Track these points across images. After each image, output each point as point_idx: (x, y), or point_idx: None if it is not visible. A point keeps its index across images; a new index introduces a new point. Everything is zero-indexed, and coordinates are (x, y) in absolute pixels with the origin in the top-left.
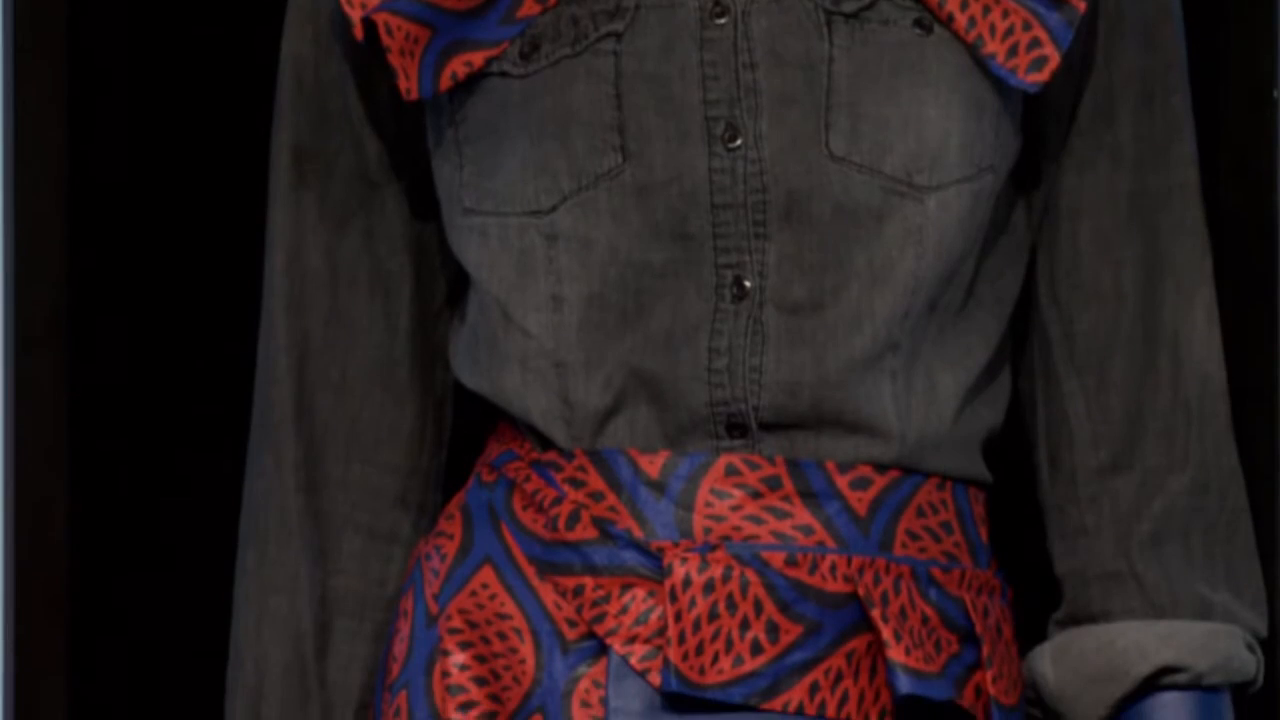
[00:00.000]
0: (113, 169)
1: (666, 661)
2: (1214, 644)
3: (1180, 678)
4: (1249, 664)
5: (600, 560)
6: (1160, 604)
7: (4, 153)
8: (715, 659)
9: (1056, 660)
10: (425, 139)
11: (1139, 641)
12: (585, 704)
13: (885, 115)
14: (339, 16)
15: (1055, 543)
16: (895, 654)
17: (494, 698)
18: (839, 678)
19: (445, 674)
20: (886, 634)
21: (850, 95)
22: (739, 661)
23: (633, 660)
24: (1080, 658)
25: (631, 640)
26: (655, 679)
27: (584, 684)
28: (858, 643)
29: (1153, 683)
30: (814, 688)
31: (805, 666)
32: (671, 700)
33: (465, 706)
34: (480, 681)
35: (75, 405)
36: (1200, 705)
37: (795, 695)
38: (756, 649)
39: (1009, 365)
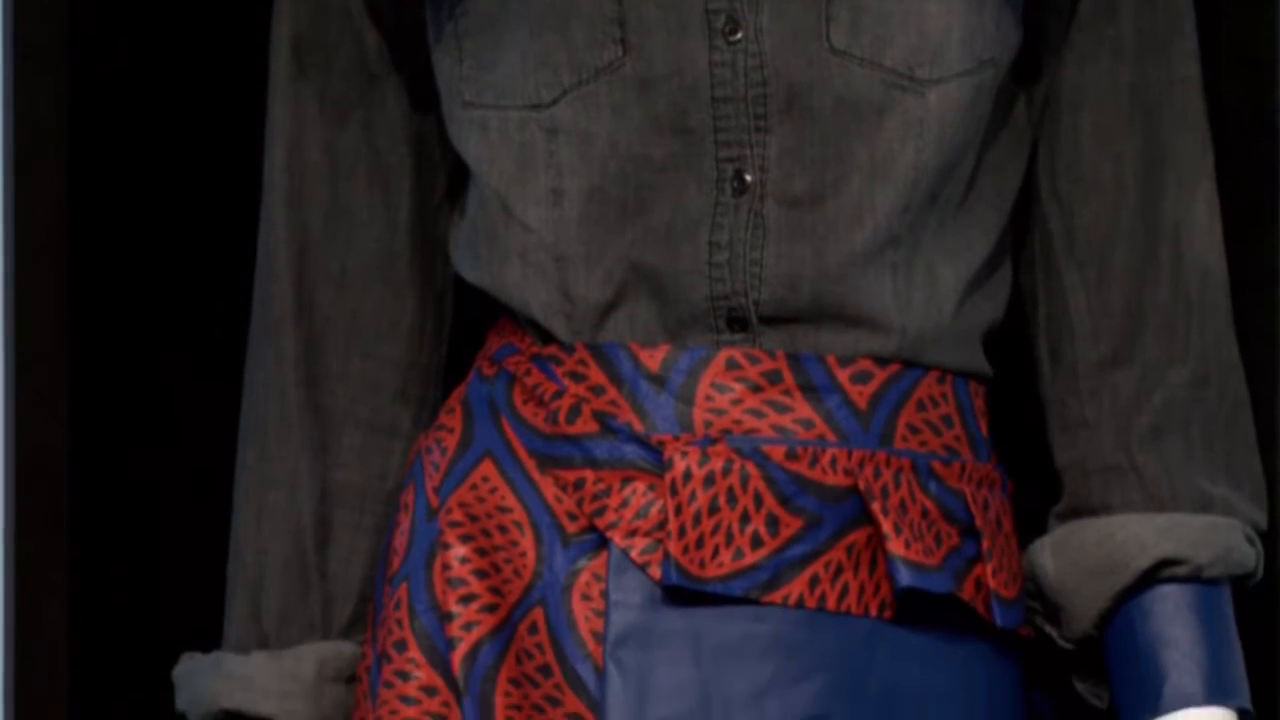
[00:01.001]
0: (113, 172)
1: (667, 555)
2: (1214, 537)
3: (1180, 570)
4: (1249, 556)
5: (601, 454)
6: (1160, 497)
7: (3, 149)
8: (715, 552)
9: (1056, 553)
10: (425, 32)
11: (1139, 534)
12: (585, 597)
13: (886, 8)
14: None
15: (1055, 436)
16: (895, 547)
17: (494, 590)
18: (839, 571)
19: (446, 567)
20: (886, 527)
21: None
22: (739, 555)
23: (633, 553)
24: (1080, 551)
25: (632, 534)
26: (655, 572)
27: (584, 577)
28: (857, 536)
29: (1152, 575)
30: (814, 581)
31: (805, 560)
32: (671, 593)
33: (466, 599)
34: (481, 574)
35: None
36: (1200, 597)
37: (795, 588)
38: (756, 542)
39: (1009, 259)
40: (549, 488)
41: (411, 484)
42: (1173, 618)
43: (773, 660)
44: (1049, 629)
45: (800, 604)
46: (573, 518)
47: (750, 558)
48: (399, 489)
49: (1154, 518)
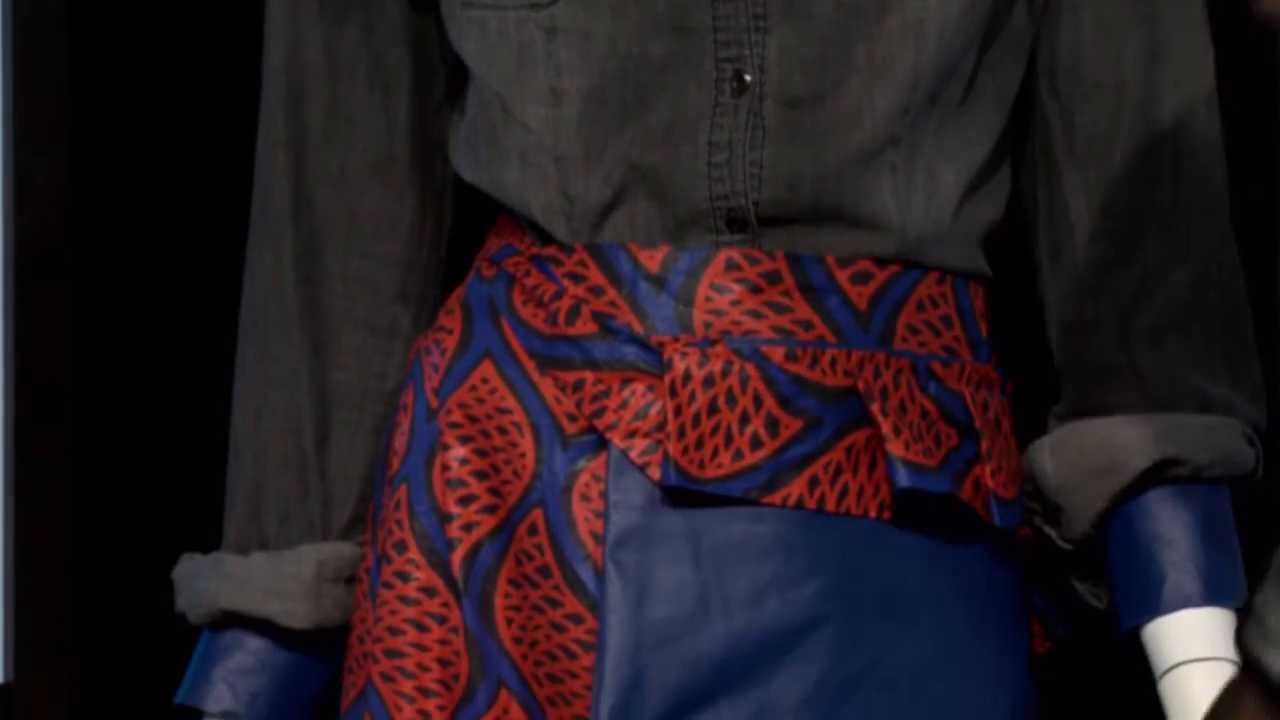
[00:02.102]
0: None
1: (666, 455)
2: (1213, 437)
3: (1179, 471)
4: (1248, 457)
5: (600, 355)
6: (1160, 397)
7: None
8: (715, 453)
9: (1055, 454)
10: None
11: (1138, 435)
12: (585, 498)
13: None
14: None
15: (1055, 337)
16: (894, 448)
17: (494, 491)
18: (838, 472)
19: (445, 468)
20: (886, 428)
21: None
22: (738, 456)
23: (632, 454)
24: (1079, 451)
25: (631, 435)
26: (655, 473)
27: (584, 478)
28: (857, 437)
29: (1152, 476)
30: (813, 482)
31: (805, 461)
32: (671, 494)
33: (465, 500)
34: (480, 475)
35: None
36: (1199, 498)
37: (794, 489)
38: (756, 443)
39: (1009, 160)
40: (548, 389)
41: (411, 384)
42: (1172, 518)
43: (772, 561)
44: (1048, 529)
45: (800, 505)
46: (572, 419)
47: (750, 458)
48: (398, 389)
49: (1153, 418)
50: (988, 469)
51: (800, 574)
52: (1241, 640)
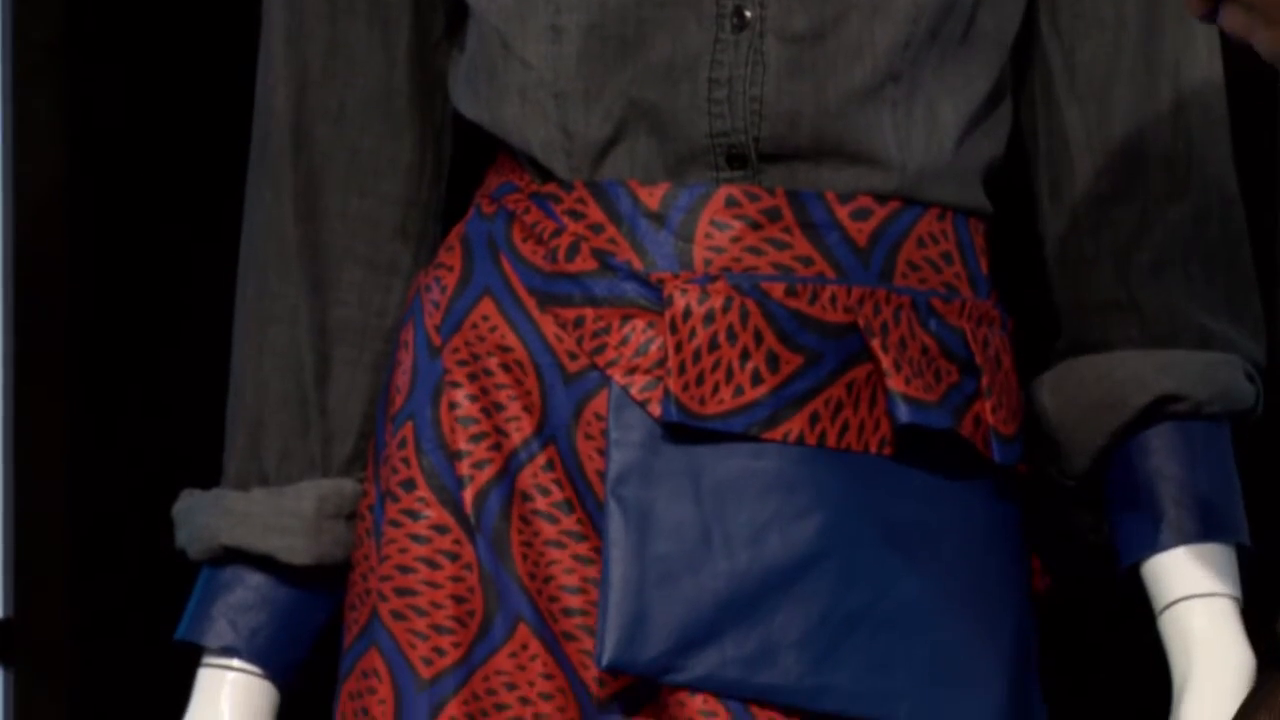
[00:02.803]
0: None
1: (667, 392)
2: (1213, 373)
3: (1179, 407)
4: (1248, 393)
5: (600, 292)
6: (1159, 333)
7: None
8: (715, 389)
9: (1055, 390)
10: None
11: (1138, 371)
12: (588, 436)
13: None
14: None
15: (1055, 273)
16: (895, 383)
17: (500, 429)
18: (839, 408)
19: (454, 405)
20: (886, 364)
21: None
22: (739, 392)
23: (633, 391)
24: (1079, 388)
25: (632, 371)
26: (655, 409)
27: (586, 415)
28: (857, 373)
29: (1152, 412)
30: (814, 418)
31: (805, 397)
32: (672, 431)
33: (476, 438)
34: (487, 413)
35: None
36: (1199, 435)
37: (795, 425)
38: (757, 379)
39: (1010, 96)
40: (549, 326)
41: (411, 321)
42: (1171, 454)
43: (773, 497)
44: (1048, 466)
45: (800, 441)
46: (573, 356)
47: (750, 395)
48: (398, 326)
49: (1153, 354)
50: (988, 405)
51: (801, 510)
52: (1275, 632)
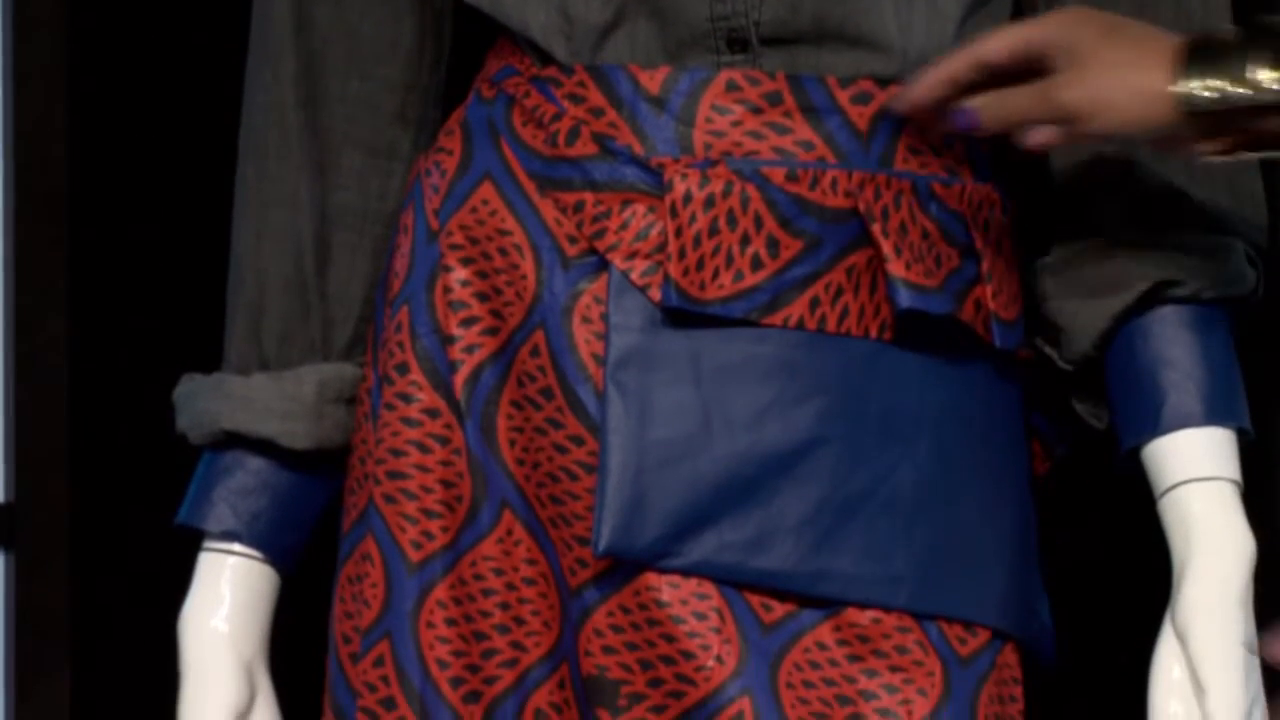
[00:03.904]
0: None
1: (667, 277)
2: (1214, 257)
3: (1180, 291)
4: (1249, 277)
5: (601, 176)
6: (1161, 218)
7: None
8: (715, 274)
9: (1057, 275)
10: None
11: (1139, 256)
12: (586, 320)
13: None
14: None
15: (1055, 158)
16: (895, 268)
17: (495, 314)
18: (839, 292)
19: (447, 290)
20: (886, 249)
21: None
22: (739, 277)
23: (633, 276)
24: (1080, 271)
25: (632, 256)
26: (655, 294)
27: (585, 300)
28: (858, 258)
29: (1152, 296)
30: (814, 302)
31: (805, 281)
32: (672, 315)
33: (467, 322)
34: (482, 297)
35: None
36: (1200, 318)
37: (795, 310)
38: (757, 264)
39: None
40: (549, 210)
41: (411, 206)
42: (1172, 338)
43: (773, 382)
44: (1048, 350)
45: (800, 325)
46: (573, 240)
47: (750, 279)
48: (398, 211)
49: (1154, 239)
50: (988, 290)
51: (801, 395)
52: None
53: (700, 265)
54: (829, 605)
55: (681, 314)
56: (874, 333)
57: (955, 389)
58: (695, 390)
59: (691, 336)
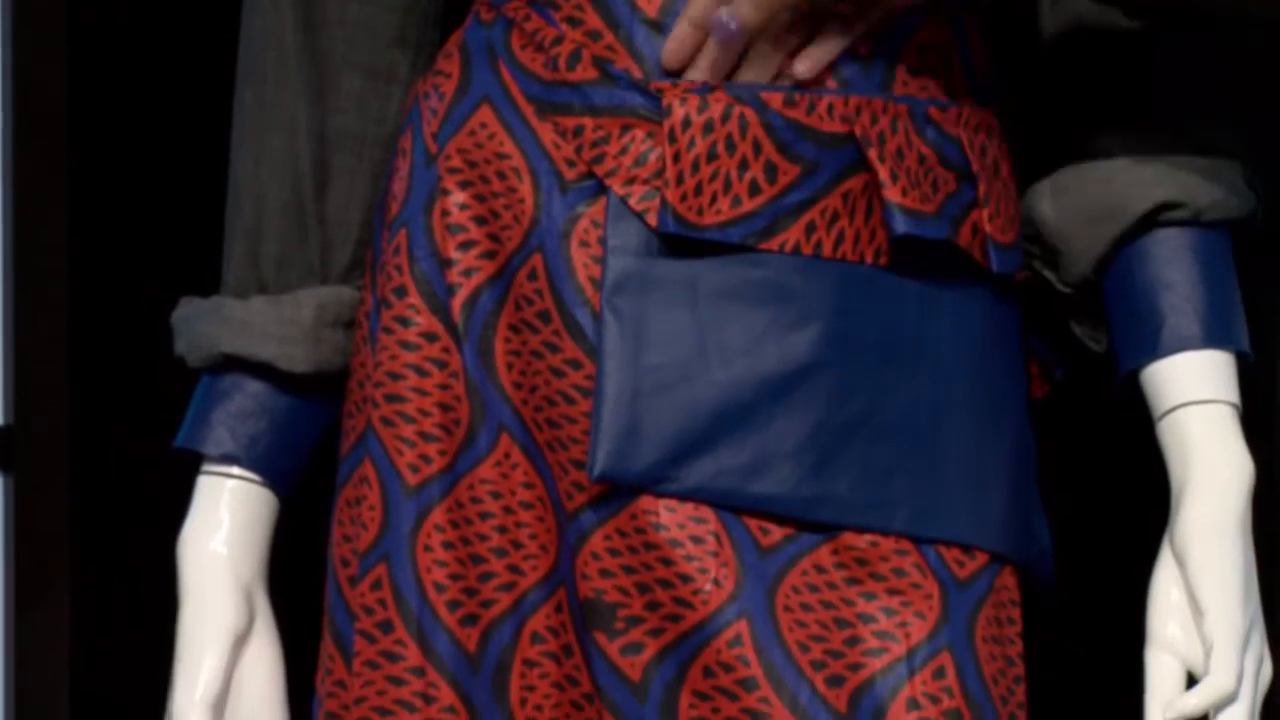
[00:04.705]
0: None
1: (663, 202)
2: (1214, 180)
3: (1179, 214)
4: (1248, 200)
5: (600, 100)
6: (1160, 140)
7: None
8: (713, 199)
9: (1055, 198)
10: None
11: (1138, 178)
12: (584, 244)
13: None
14: None
15: (1055, 80)
16: (891, 194)
17: (493, 237)
18: (835, 217)
19: (445, 213)
20: (883, 174)
21: None
22: (736, 202)
23: (631, 201)
24: (1079, 195)
25: (630, 181)
26: (652, 220)
27: (582, 224)
28: (854, 183)
29: (1151, 219)
30: (810, 227)
31: (802, 207)
32: (669, 241)
33: (465, 246)
34: (480, 221)
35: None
36: (1199, 241)
37: (792, 235)
38: (754, 189)
39: None
40: (547, 134)
41: (409, 129)
42: (1171, 261)
43: (770, 307)
44: (1047, 273)
45: (796, 251)
46: (571, 164)
47: (747, 205)
48: (397, 134)
49: (1154, 161)
50: (985, 213)
51: (798, 320)
52: None
53: (698, 190)
54: (827, 529)
55: (678, 239)
56: (870, 258)
57: (952, 313)
58: (691, 315)
59: (688, 262)
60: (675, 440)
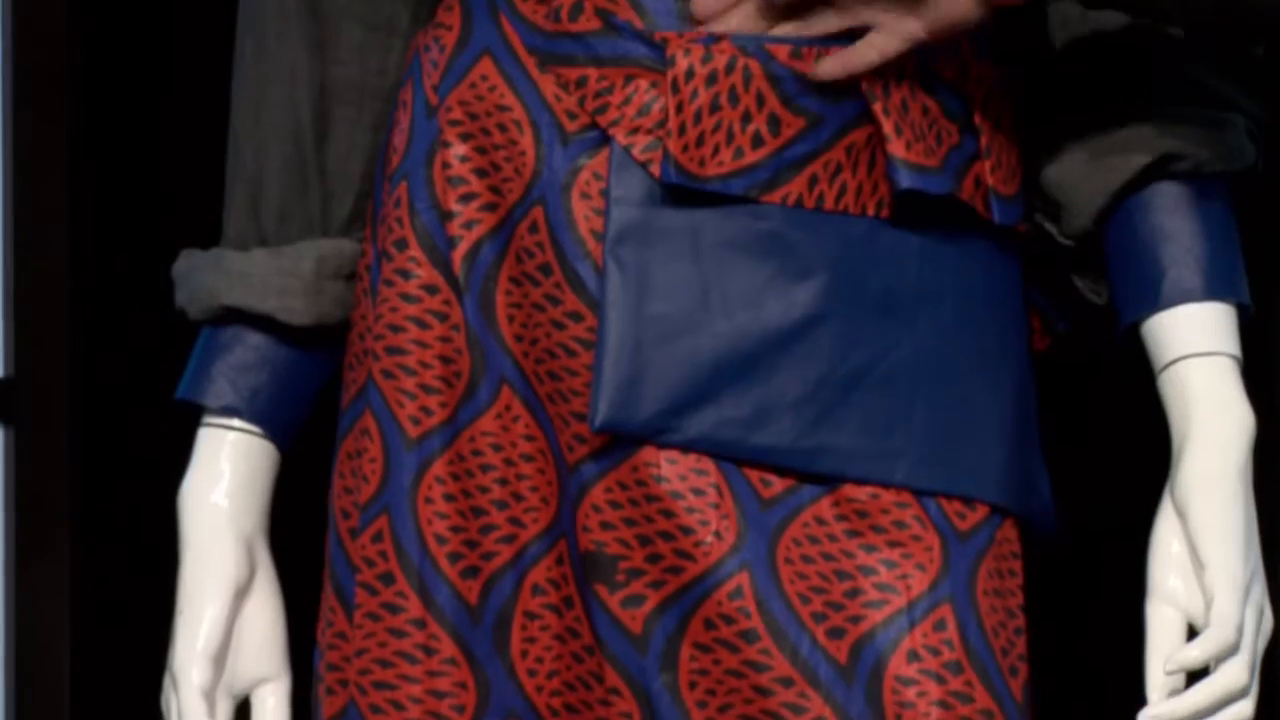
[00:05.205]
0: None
1: (666, 153)
2: (1215, 132)
3: (1180, 166)
4: (1250, 151)
5: (604, 51)
6: (1161, 92)
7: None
8: (715, 151)
9: (1057, 150)
10: None
11: (1140, 130)
12: (585, 195)
13: None
14: None
15: (1057, 35)
16: (895, 148)
17: (494, 189)
18: (837, 170)
19: (446, 165)
20: (887, 128)
21: None
22: (739, 154)
23: (634, 151)
24: (1081, 146)
25: (634, 132)
26: (656, 170)
27: (584, 175)
28: (857, 136)
29: (1153, 171)
30: (813, 180)
31: (805, 159)
32: (672, 192)
33: (466, 198)
34: (480, 173)
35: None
36: (1200, 193)
37: (794, 188)
38: (758, 141)
39: None
40: (548, 86)
41: (410, 81)
42: (1172, 213)
43: (772, 259)
44: (1048, 226)
45: (799, 204)
46: (572, 116)
47: (751, 157)
48: (398, 86)
49: (1155, 113)
50: (987, 165)
51: (800, 272)
52: None
53: (700, 142)
54: (828, 481)
55: (681, 190)
56: (872, 210)
57: (954, 265)
58: (694, 266)
59: (691, 213)
60: (677, 391)
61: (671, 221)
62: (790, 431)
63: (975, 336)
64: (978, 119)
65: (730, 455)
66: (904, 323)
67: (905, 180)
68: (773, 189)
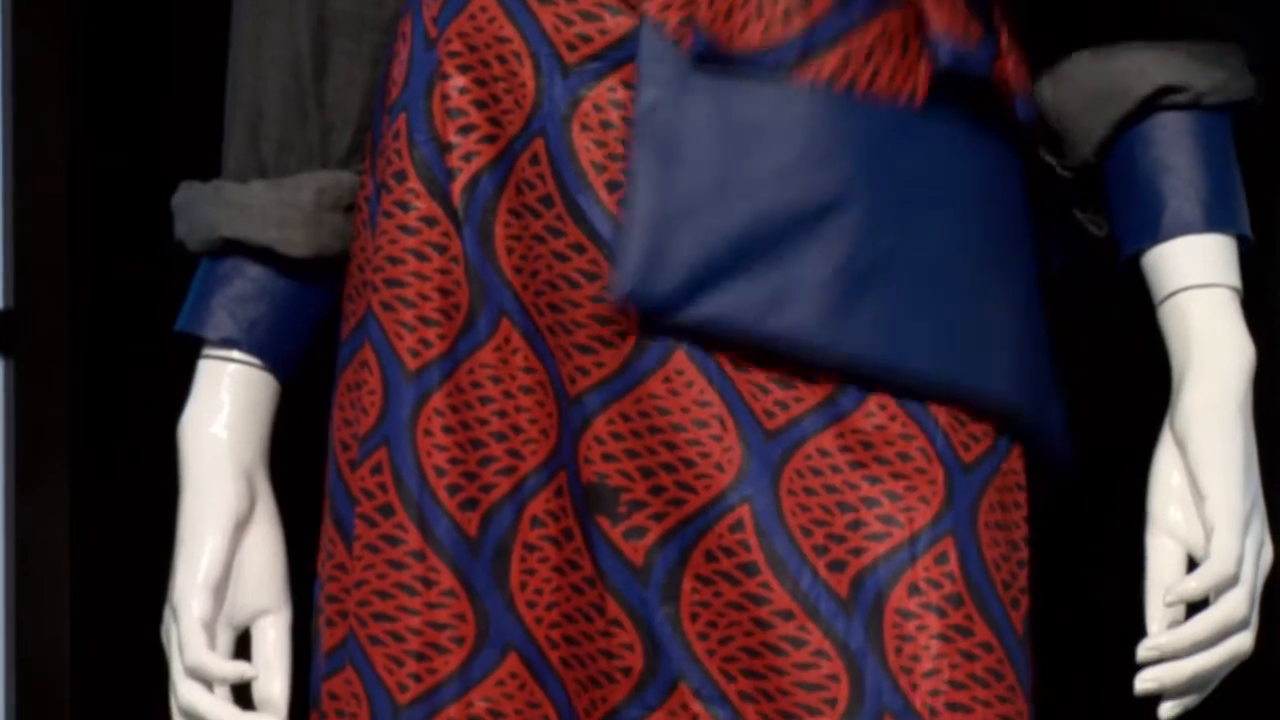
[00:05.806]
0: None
1: (696, 26)
2: (1215, 63)
3: (1180, 98)
4: (1250, 84)
5: None
6: (1162, 24)
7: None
8: (745, 26)
9: (1057, 81)
10: None
11: (1140, 61)
12: (585, 127)
13: None
14: None
15: None
16: (937, 24)
17: (494, 121)
18: (870, 53)
19: (445, 97)
20: (928, 4)
21: None
22: (769, 29)
23: (666, 29)
24: (1081, 78)
25: (666, 8)
26: (685, 44)
27: (585, 107)
28: (891, 17)
29: (1153, 103)
30: (846, 59)
31: (836, 38)
32: (701, 70)
33: (465, 130)
34: (480, 105)
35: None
36: (1200, 125)
37: (826, 65)
38: (788, 17)
39: None
40: (548, 18)
41: (409, 13)
42: (1173, 145)
43: (798, 140)
44: (1049, 157)
45: (830, 81)
46: (572, 48)
47: (779, 32)
48: (397, 18)
49: (1155, 44)
50: (1009, 63)
51: (826, 156)
52: None
53: (729, 15)
54: (832, 411)
55: (711, 69)
56: (904, 97)
57: (980, 159)
58: (720, 144)
59: (720, 90)
60: (699, 267)
61: (700, 98)
62: (808, 319)
63: (997, 231)
64: (996, 17)
65: (744, 338)
66: (928, 212)
67: (947, 56)
68: (803, 65)
